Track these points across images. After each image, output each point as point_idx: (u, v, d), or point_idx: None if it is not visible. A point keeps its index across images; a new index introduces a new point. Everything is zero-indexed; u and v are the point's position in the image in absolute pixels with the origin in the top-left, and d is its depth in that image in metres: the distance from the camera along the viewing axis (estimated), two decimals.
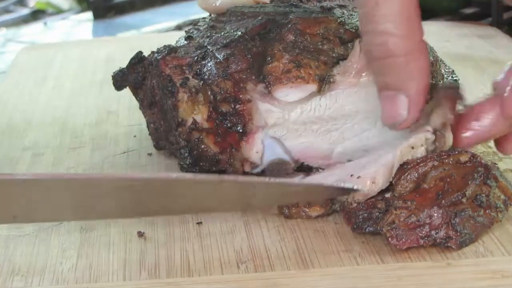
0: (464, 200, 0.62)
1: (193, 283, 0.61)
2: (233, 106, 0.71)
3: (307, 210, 0.67)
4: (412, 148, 0.69)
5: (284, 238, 0.66)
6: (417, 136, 0.69)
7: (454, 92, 0.73)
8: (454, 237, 0.62)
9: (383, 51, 0.61)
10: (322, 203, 0.68)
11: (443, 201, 0.63)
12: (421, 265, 0.61)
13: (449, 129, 0.70)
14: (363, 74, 0.73)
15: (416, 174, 0.64)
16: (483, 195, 0.63)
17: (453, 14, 1.30)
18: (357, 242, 0.65)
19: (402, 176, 0.64)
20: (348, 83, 0.73)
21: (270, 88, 0.71)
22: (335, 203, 0.68)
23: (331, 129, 0.74)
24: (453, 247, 0.62)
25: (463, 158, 0.65)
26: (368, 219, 0.64)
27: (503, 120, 0.65)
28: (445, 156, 0.64)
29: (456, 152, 0.65)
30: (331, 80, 0.72)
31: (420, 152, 0.68)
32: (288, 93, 0.71)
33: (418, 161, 0.65)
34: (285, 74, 0.71)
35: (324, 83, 0.71)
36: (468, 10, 1.29)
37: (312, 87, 0.71)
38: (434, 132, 0.70)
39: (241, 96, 0.71)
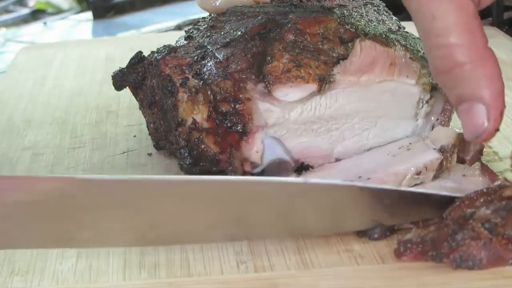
0: (471, 220, 0.61)
1: (193, 283, 0.61)
2: (233, 106, 0.71)
3: None
4: (426, 168, 0.70)
5: (284, 238, 0.66)
6: (430, 157, 0.71)
7: None
8: (448, 252, 0.60)
9: (449, 63, 0.61)
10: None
11: (450, 216, 0.63)
12: (421, 265, 0.61)
13: (456, 150, 0.71)
14: (363, 73, 0.73)
15: (467, 210, 0.63)
16: (494, 222, 0.61)
17: None
18: (357, 242, 0.65)
19: (456, 213, 0.64)
20: (348, 82, 0.73)
21: (269, 88, 0.71)
22: None
23: (331, 129, 0.74)
24: (447, 263, 0.60)
25: (507, 192, 0.63)
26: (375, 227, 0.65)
27: None
28: (493, 192, 0.64)
29: (502, 187, 0.64)
30: (331, 79, 0.72)
31: (431, 171, 0.70)
32: (288, 93, 0.71)
33: (471, 197, 0.64)
34: (285, 73, 0.71)
35: (324, 82, 0.71)
36: None
37: (312, 86, 0.71)
38: (442, 151, 0.71)
39: (241, 96, 0.71)
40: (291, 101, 0.72)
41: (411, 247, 0.62)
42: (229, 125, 0.71)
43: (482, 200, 0.64)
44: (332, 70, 0.72)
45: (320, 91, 0.72)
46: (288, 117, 0.73)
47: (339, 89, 0.73)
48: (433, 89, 0.76)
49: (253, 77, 0.71)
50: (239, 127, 0.71)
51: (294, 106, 0.72)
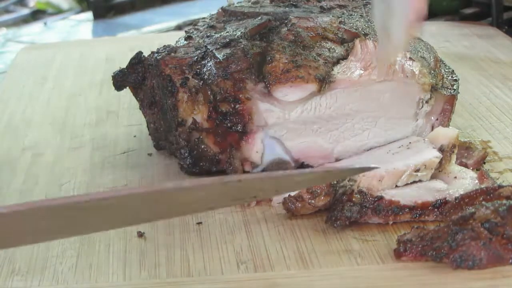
0: (471, 220, 0.61)
1: (193, 283, 0.61)
2: (233, 105, 0.71)
3: (312, 201, 0.67)
4: (425, 166, 0.70)
5: (284, 238, 0.66)
6: (429, 155, 0.71)
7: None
8: (448, 253, 0.60)
9: None
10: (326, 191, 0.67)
11: (451, 217, 0.63)
12: (421, 265, 0.61)
13: (455, 150, 0.72)
14: (364, 73, 0.73)
15: (467, 208, 0.64)
16: (494, 222, 0.61)
17: (453, 14, 1.30)
18: (357, 242, 0.65)
19: (455, 211, 0.65)
20: (348, 82, 0.73)
21: (269, 88, 0.71)
22: (338, 189, 0.67)
23: (331, 129, 0.74)
24: (447, 263, 0.60)
25: (504, 192, 0.64)
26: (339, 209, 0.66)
27: None
28: (492, 191, 0.65)
29: (500, 187, 0.65)
30: (332, 79, 0.72)
31: (430, 169, 0.70)
32: (287, 93, 0.71)
33: (470, 195, 0.65)
34: (284, 74, 0.71)
35: (324, 82, 0.71)
36: (468, 10, 1.29)
37: (312, 86, 0.71)
38: (442, 150, 0.71)
39: (240, 96, 0.71)
40: (291, 101, 0.72)
41: (411, 247, 0.62)
42: (229, 125, 0.71)
43: (481, 198, 0.64)
44: (332, 70, 0.72)
45: (320, 91, 0.72)
46: (288, 117, 0.73)
47: (339, 89, 0.73)
48: (433, 89, 0.76)
49: (253, 77, 0.71)
50: (239, 127, 0.71)
51: (294, 106, 0.72)
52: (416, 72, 0.75)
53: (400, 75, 0.74)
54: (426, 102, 0.76)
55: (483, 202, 0.63)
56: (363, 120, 0.75)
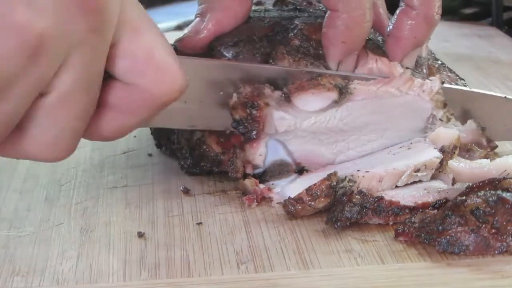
0: (462, 207, 0.62)
1: (193, 283, 0.61)
2: (249, 111, 0.70)
3: (312, 203, 0.67)
4: (425, 166, 0.70)
5: (284, 238, 0.66)
6: (430, 155, 0.71)
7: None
8: (437, 236, 0.61)
9: None
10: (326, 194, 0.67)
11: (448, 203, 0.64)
12: (421, 265, 0.61)
13: (456, 151, 0.72)
14: (382, 83, 0.72)
15: (474, 197, 0.64)
16: (483, 210, 0.61)
17: (453, 14, 1.30)
18: (357, 242, 0.65)
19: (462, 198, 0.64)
20: (367, 92, 0.72)
21: (291, 95, 0.70)
22: (338, 190, 0.67)
23: (338, 140, 0.74)
24: (435, 246, 0.62)
25: (505, 184, 0.64)
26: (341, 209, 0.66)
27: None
28: (497, 182, 0.65)
29: (503, 178, 0.65)
30: (350, 91, 0.71)
31: (430, 169, 0.70)
32: (308, 101, 0.70)
33: (479, 185, 0.65)
34: (309, 81, 0.70)
35: (343, 92, 0.71)
36: (468, 10, 1.29)
37: (333, 95, 0.70)
38: (443, 151, 0.71)
39: (259, 102, 0.70)
40: (310, 111, 0.71)
41: (409, 228, 0.63)
42: (243, 131, 0.70)
43: (487, 189, 0.64)
44: (352, 82, 0.71)
45: (338, 101, 0.71)
46: (299, 126, 0.72)
47: (355, 101, 0.72)
48: (445, 106, 0.75)
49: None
50: (253, 134, 0.70)
51: (309, 116, 0.72)
52: (434, 89, 0.74)
53: (416, 89, 0.74)
54: (440, 119, 0.75)
55: (477, 191, 0.64)
56: (371, 132, 0.74)
